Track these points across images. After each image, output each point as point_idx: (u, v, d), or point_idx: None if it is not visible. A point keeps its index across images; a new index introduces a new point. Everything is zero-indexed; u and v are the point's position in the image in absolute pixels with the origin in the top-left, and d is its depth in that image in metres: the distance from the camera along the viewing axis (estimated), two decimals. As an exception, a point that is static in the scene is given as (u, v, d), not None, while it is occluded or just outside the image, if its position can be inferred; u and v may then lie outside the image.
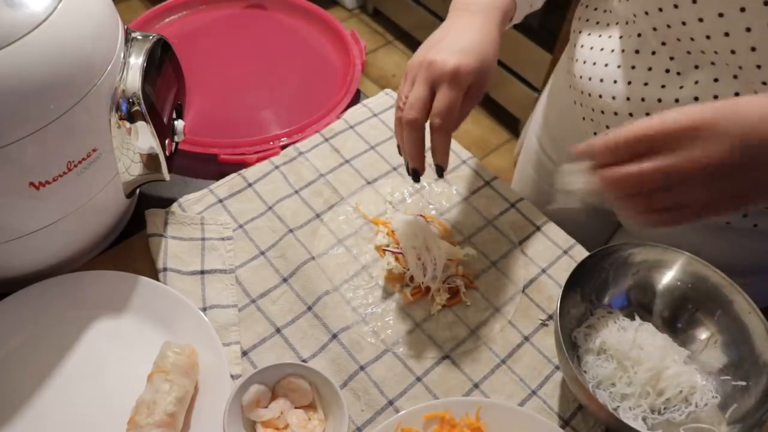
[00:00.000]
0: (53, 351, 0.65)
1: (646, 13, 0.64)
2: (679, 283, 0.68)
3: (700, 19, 0.58)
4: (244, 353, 0.67)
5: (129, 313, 0.68)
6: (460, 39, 0.62)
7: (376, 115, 0.91)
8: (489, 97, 2.21)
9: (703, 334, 0.67)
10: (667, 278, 0.69)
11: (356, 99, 0.93)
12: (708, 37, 0.59)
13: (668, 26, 0.62)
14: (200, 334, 0.65)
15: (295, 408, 0.62)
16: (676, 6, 0.59)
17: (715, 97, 0.62)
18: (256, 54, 1.00)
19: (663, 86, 0.66)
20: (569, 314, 0.66)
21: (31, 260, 0.67)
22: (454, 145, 0.88)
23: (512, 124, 2.20)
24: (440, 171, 0.64)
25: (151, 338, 0.66)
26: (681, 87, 0.65)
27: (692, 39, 0.61)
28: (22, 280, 0.67)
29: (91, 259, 0.72)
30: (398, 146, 0.65)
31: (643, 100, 0.67)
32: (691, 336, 0.68)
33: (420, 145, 0.62)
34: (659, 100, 0.66)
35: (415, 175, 0.65)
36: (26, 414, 0.61)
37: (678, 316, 0.69)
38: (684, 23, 0.60)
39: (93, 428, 0.61)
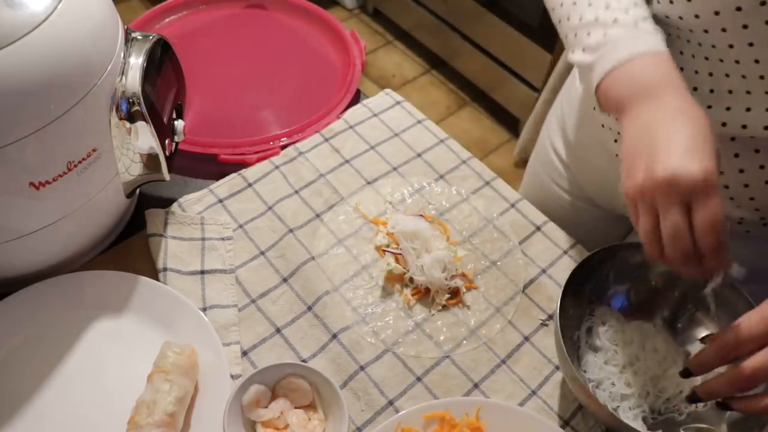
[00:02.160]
0: (53, 351, 0.65)
1: (691, 31, 0.60)
2: (679, 283, 0.68)
3: (750, 44, 0.56)
4: (244, 353, 0.67)
5: (129, 313, 0.68)
6: (683, 131, 0.51)
7: (376, 115, 0.91)
8: (489, 97, 2.21)
9: (703, 334, 0.67)
10: (667, 278, 0.69)
11: (356, 99, 0.93)
12: (757, 62, 0.57)
13: (713, 46, 0.59)
14: (200, 334, 0.65)
15: (295, 408, 0.62)
16: (724, 30, 0.57)
17: (744, 127, 0.60)
18: (256, 54, 1.00)
19: None
20: (569, 314, 0.66)
21: (31, 260, 0.67)
22: (454, 144, 0.89)
23: (512, 124, 2.20)
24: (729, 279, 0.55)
25: (151, 338, 0.66)
26: (710, 107, 0.62)
27: (737, 62, 0.58)
28: (22, 280, 0.67)
29: (91, 259, 0.72)
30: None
31: None
32: (691, 336, 0.68)
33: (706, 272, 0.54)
34: None
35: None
36: (26, 414, 0.61)
37: (678, 316, 0.69)
38: (731, 45, 0.57)
39: (93, 428, 0.61)
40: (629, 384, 0.64)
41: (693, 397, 0.55)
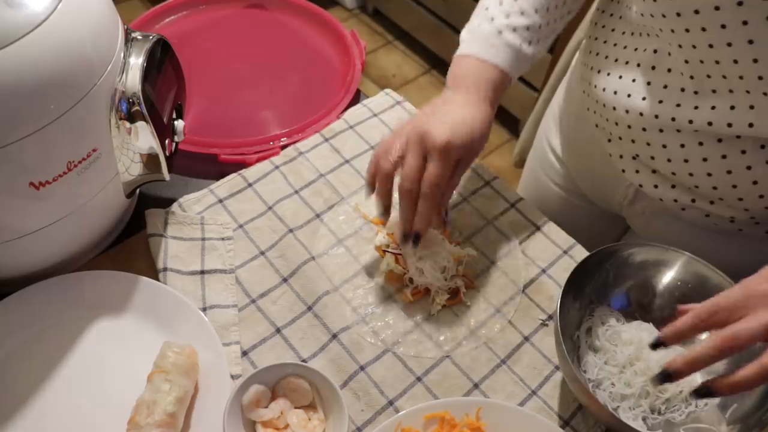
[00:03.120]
0: (53, 351, 0.65)
1: (672, 31, 0.62)
2: (679, 283, 0.68)
3: (729, 44, 0.57)
4: (244, 353, 0.67)
5: (129, 313, 0.68)
6: (454, 113, 0.66)
7: (376, 115, 0.91)
8: (489, 97, 2.20)
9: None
10: (667, 278, 0.69)
11: (356, 99, 0.93)
12: (735, 62, 0.58)
13: (693, 47, 0.61)
14: (200, 334, 0.65)
15: (295, 408, 0.62)
16: (703, 29, 0.58)
17: (729, 125, 0.62)
18: (256, 54, 1.00)
19: (678, 105, 0.65)
20: (569, 314, 0.66)
21: (31, 260, 0.67)
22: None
23: (512, 124, 2.19)
24: (416, 238, 0.67)
25: (151, 338, 0.66)
26: (696, 107, 0.64)
27: (717, 62, 0.60)
28: (22, 280, 0.67)
29: (91, 259, 0.72)
30: (369, 188, 0.70)
31: (656, 117, 0.67)
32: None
33: (413, 211, 0.66)
34: (673, 119, 0.65)
35: (406, 238, 0.68)
36: (26, 414, 0.61)
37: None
38: (711, 45, 0.59)
39: (93, 428, 0.61)
40: (629, 384, 0.64)
41: (664, 375, 0.53)
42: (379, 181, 0.68)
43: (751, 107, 0.60)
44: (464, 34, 0.73)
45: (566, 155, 0.89)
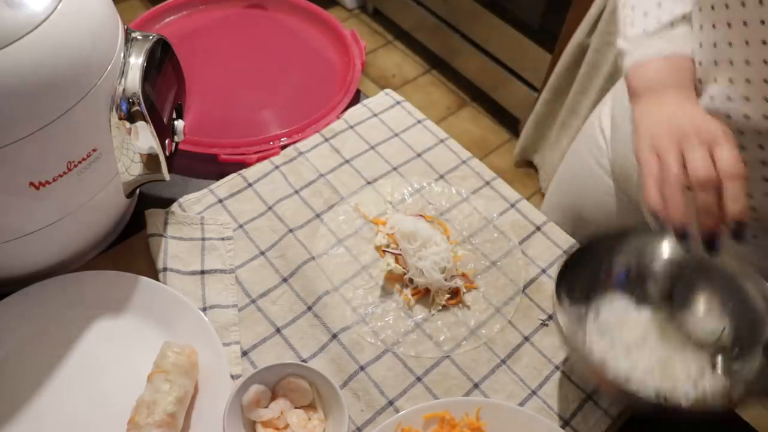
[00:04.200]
0: (53, 351, 0.65)
1: (715, 45, 0.62)
2: (672, 261, 0.68)
3: (747, 42, 0.58)
4: (244, 353, 0.67)
5: (129, 313, 0.68)
6: (692, 111, 0.60)
7: (376, 115, 0.91)
8: (489, 97, 2.21)
9: (702, 303, 0.67)
10: (660, 258, 0.68)
11: (356, 99, 0.93)
12: (747, 63, 0.59)
13: (714, 45, 0.62)
14: (200, 334, 0.65)
15: (295, 408, 0.62)
16: (729, 25, 0.59)
17: (728, 117, 0.62)
18: (256, 54, 1.00)
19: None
20: (570, 298, 0.66)
21: (31, 260, 0.67)
22: (454, 144, 0.89)
23: (512, 124, 2.19)
24: (739, 230, 0.55)
25: (151, 338, 0.66)
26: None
27: (731, 63, 0.60)
28: (22, 280, 0.67)
29: (91, 259, 0.72)
30: (656, 218, 0.58)
31: None
32: (690, 304, 0.67)
33: (717, 207, 0.55)
34: None
35: (711, 244, 0.56)
36: (26, 414, 0.61)
37: (677, 287, 0.68)
38: (730, 44, 0.59)
39: (93, 428, 0.61)
40: (634, 368, 0.63)
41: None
42: (669, 193, 0.56)
43: (761, 147, 0.61)
44: (630, 45, 0.67)
45: (611, 134, 0.88)
